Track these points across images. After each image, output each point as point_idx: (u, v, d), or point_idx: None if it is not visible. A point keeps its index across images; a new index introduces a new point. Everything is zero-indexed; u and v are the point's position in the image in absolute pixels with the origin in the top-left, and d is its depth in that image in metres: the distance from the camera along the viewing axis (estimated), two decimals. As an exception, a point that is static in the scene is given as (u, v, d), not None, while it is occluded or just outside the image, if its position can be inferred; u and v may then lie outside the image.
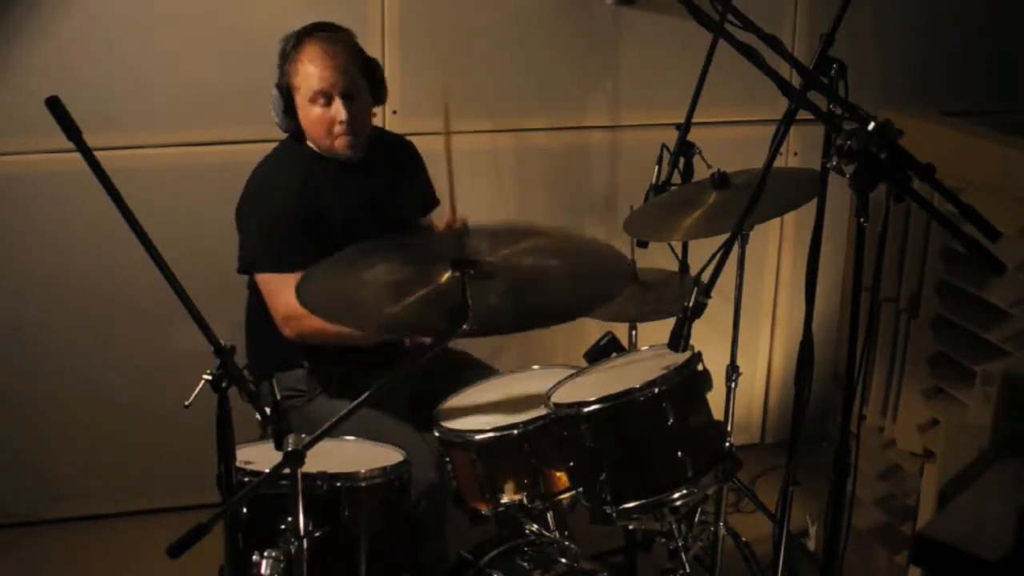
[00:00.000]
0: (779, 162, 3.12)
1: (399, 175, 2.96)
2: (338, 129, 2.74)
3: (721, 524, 2.86)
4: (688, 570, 2.52)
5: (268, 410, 1.98)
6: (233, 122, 3.34)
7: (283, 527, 2.10)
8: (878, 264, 2.23)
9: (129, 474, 3.56)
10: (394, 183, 2.93)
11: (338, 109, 2.72)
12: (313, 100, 2.72)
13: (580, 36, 3.57)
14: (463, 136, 3.55)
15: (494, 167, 3.62)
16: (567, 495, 2.53)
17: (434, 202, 3.07)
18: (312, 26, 2.78)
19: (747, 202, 2.02)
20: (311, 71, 2.71)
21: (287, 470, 1.96)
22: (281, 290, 2.64)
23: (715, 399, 2.54)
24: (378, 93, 2.84)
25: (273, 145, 2.88)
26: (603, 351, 2.76)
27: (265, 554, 2.12)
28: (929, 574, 2.24)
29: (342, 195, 2.81)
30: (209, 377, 1.92)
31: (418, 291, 2.23)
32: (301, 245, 2.68)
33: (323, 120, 2.74)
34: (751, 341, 3.90)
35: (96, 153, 1.83)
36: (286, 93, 2.75)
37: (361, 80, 2.78)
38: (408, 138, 3.07)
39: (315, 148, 2.81)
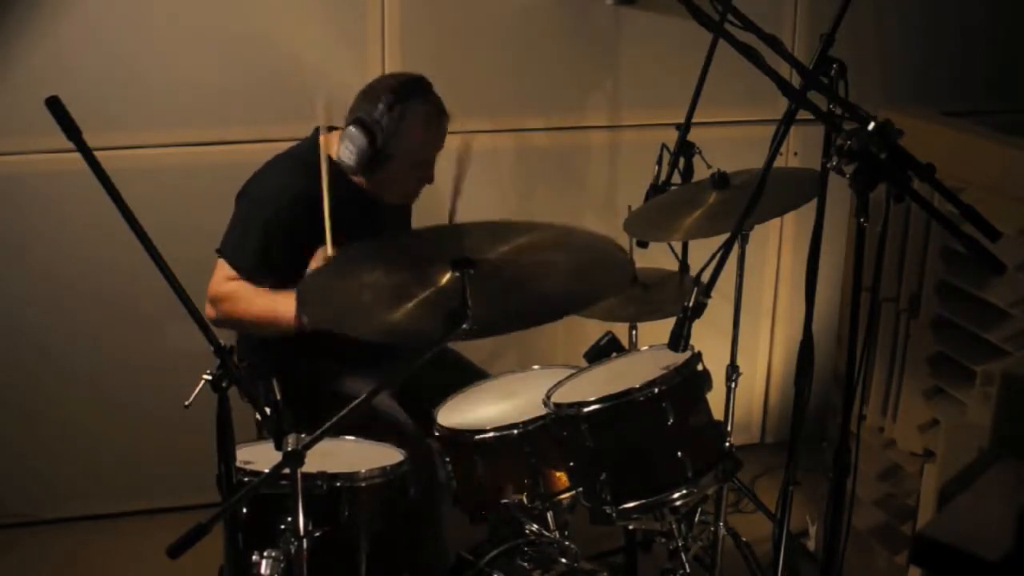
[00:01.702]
0: (779, 162, 3.12)
1: None
2: (416, 193, 2.83)
3: (721, 524, 2.86)
4: (688, 570, 2.52)
5: (268, 410, 1.98)
6: (233, 122, 3.34)
7: (283, 527, 2.10)
8: (878, 264, 2.22)
9: (129, 474, 3.56)
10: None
11: (432, 176, 2.79)
12: (416, 166, 2.76)
13: (580, 36, 3.57)
14: (462, 135, 3.56)
15: (494, 167, 3.62)
16: (567, 495, 2.53)
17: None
18: (417, 84, 2.75)
19: (747, 202, 2.02)
20: (424, 139, 2.73)
21: (287, 470, 1.96)
22: (221, 274, 2.72)
23: (715, 399, 2.54)
24: None
25: (276, 144, 2.87)
26: (603, 351, 2.77)
27: (265, 554, 2.12)
28: (929, 574, 2.23)
29: (344, 208, 2.76)
30: (209, 377, 1.92)
31: (418, 293, 2.22)
32: (265, 250, 2.69)
33: (415, 186, 2.81)
34: (751, 341, 3.90)
35: (96, 153, 1.83)
36: (383, 146, 2.69)
37: None
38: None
39: (357, 179, 2.77)
